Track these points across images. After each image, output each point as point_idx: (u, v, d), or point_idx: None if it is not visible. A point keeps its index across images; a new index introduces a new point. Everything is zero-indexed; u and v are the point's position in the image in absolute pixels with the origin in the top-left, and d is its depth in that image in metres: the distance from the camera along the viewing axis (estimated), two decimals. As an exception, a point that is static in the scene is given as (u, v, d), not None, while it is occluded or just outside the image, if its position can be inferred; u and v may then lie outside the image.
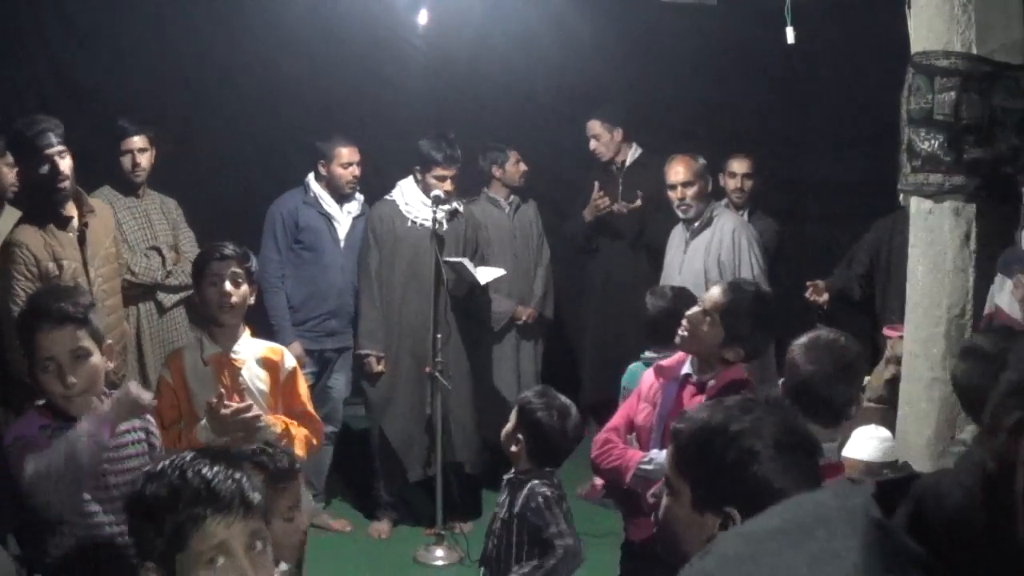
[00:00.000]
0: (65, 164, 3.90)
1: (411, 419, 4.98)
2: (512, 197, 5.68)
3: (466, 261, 4.90)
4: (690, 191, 4.89)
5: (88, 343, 2.59)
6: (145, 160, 4.62)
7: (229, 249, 3.30)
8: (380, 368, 4.99)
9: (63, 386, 2.54)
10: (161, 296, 4.59)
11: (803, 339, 2.69)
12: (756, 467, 1.58)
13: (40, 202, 3.96)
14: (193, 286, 3.47)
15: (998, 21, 3.48)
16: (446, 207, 4.94)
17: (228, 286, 3.24)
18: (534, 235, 5.70)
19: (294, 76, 6.08)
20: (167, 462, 1.79)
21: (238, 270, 3.29)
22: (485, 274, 5.00)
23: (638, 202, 5.52)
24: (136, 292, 4.52)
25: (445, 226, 4.97)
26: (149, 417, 2.85)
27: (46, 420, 2.58)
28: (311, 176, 5.17)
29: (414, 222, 4.95)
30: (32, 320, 2.60)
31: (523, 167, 5.68)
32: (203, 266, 3.31)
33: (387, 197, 5.07)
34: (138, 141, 4.59)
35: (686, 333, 3.10)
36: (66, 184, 3.91)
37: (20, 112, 5.79)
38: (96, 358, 2.61)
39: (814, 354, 2.61)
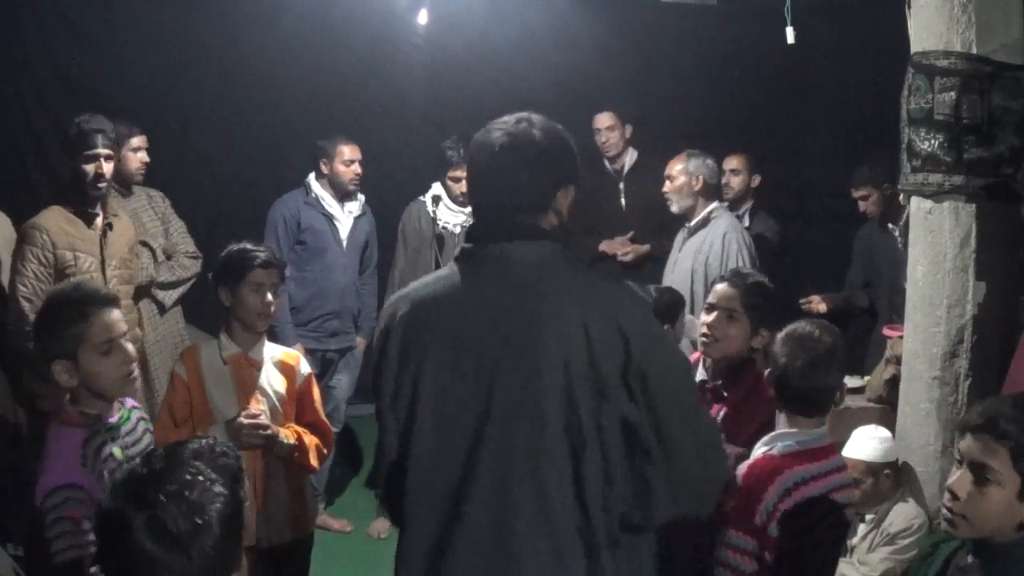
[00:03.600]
0: (107, 167, 4.08)
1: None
2: None
3: None
4: (669, 184, 4.86)
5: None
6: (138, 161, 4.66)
7: (269, 254, 3.28)
8: None
9: (125, 365, 2.51)
10: (161, 295, 4.56)
11: (782, 332, 2.69)
12: None
13: (75, 196, 4.09)
14: (221, 286, 3.30)
15: (998, 21, 3.48)
16: (468, 208, 4.98)
17: (270, 296, 3.23)
18: None
19: (294, 76, 6.08)
20: None
21: (278, 279, 3.30)
22: None
23: (647, 247, 5.42)
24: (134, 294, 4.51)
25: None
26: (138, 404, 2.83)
27: (82, 431, 2.48)
28: (312, 176, 5.17)
29: (439, 223, 4.97)
30: (80, 307, 2.48)
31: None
32: (243, 271, 3.24)
33: (420, 197, 5.14)
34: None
35: (712, 339, 2.97)
36: (103, 186, 4.09)
37: (20, 112, 5.83)
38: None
39: (788, 347, 2.62)
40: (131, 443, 2.61)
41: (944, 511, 2.03)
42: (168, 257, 4.62)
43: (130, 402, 2.74)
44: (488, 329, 2.02)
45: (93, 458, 2.45)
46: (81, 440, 2.46)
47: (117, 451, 2.53)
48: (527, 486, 1.98)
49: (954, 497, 2.00)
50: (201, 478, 1.60)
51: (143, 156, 4.63)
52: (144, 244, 4.52)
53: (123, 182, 4.58)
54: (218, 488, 1.61)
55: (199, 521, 1.56)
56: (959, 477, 2.01)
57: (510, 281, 2.04)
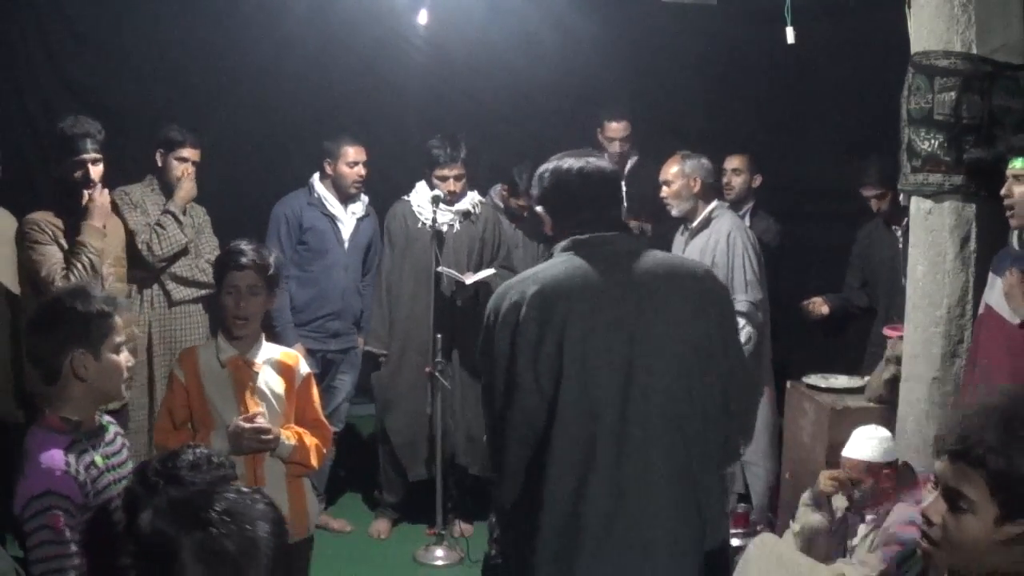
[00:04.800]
0: (96, 171, 4.07)
1: (415, 419, 4.98)
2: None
3: (444, 268, 4.88)
4: (667, 189, 4.85)
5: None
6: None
7: (248, 257, 3.23)
8: (383, 366, 5.05)
9: (129, 365, 2.60)
10: (170, 286, 4.49)
11: None
12: None
13: (67, 198, 4.08)
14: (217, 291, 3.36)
15: (998, 21, 3.48)
16: (456, 207, 4.96)
17: (243, 301, 3.20)
18: (488, 241, 5.20)
19: (294, 76, 6.08)
20: None
21: (256, 282, 3.23)
22: (473, 275, 4.95)
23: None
24: (144, 275, 4.45)
25: (457, 227, 4.99)
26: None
27: (65, 437, 2.45)
28: (315, 177, 5.17)
29: (425, 223, 4.95)
30: (109, 304, 2.57)
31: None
32: (222, 273, 3.24)
33: (404, 197, 5.10)
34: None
35: None
36: (91, 191, 4.06)
37: (21, 112, 5.83)
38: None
39: None
40: (112, 452, 2.57)
41: (920, 537, 1.87)
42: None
43: (107, 417, 2.72)
44: (621, 297, 2.53)
45: (76, 464, 2.41)
46: (64, 446, 2.42)
47: (98, 458, 2.49)
48: (665, 417, 2.51)
49: (928, 523, 1.83)
50: (245, 496, 1.52)
51: (189, 168, 4.55)
52: (167, 212, 4.45)
53: (167, 189, 4.56)
54: (262, 506, 1.53)
55: (251, 541, 1.47)
56: (933, 502, 1.83)
57: (628, 262, 2.58)
